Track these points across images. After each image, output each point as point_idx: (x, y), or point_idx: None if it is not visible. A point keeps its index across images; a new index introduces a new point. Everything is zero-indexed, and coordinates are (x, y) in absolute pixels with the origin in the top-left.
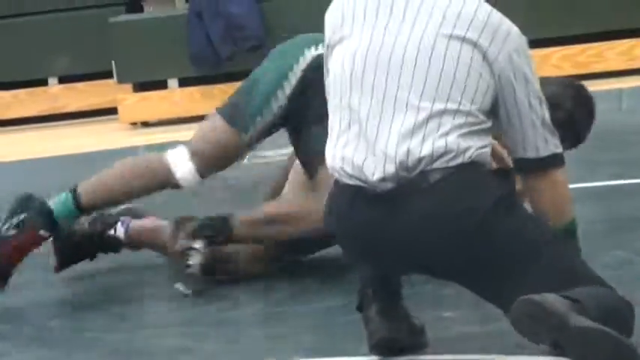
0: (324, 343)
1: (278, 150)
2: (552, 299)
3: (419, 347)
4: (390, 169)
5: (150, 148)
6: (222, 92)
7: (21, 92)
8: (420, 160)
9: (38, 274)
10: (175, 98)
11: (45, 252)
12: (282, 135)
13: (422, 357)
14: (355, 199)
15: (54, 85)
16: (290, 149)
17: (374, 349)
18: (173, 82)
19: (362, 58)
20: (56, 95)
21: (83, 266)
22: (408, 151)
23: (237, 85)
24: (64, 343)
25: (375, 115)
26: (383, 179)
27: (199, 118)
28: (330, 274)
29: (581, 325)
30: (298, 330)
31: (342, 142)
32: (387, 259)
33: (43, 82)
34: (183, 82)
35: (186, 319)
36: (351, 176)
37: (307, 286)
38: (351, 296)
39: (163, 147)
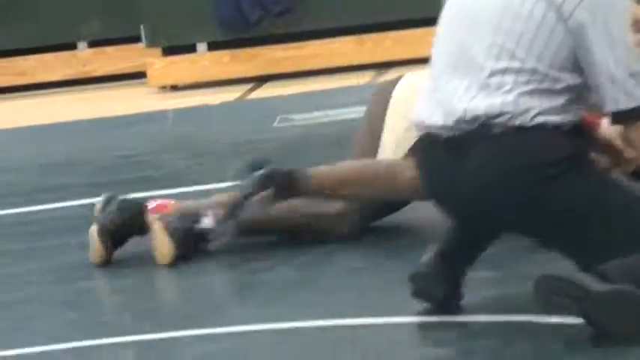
0: (351, 305)
1: (305, 114)
2: (570, 272)
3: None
4: (455, 122)
5: (178, 111)
6: (251, 56)
7: (49, 56)
8: (480, 116)
9: (73, 237)
10: (204, 62)
11: (78, 214)
12: (308, 99)
13: (460, 317)
14: (426, 149)
15: (83, 50)
16: (315, 113)
17: (413, 295)
18: (202, 46)
19: (451, 15)
20: (85, 59)
21: None
22: (470, 108)
23: (265, 48)
24: (93, 305)
25: (447, 71)
26: (448, 129)
27: (228, 82)
28: (352, 237)
29: (602, 290)
30: (325, 292)
31: (421, 97)
32: (459, 209)
33: (72, 47)
34: (212, 46)
35: (219, 282)
36: (423, 128)
37: (330, 249)
38: (374, 258)
39: (192, 111)
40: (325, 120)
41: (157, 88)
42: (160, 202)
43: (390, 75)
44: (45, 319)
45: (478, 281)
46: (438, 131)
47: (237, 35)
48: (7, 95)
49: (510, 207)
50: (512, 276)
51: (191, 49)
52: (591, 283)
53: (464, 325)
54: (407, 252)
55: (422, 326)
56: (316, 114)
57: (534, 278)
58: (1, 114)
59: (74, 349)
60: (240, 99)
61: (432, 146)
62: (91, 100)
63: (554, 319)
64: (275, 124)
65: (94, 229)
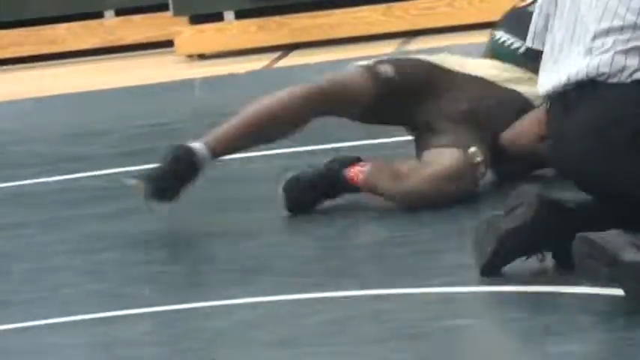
0: (379, 275)
1: None
2: (611, 236)
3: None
4: (564, 86)
5: (206, 80)
6: (278, 25)
7: (76, 25)
8: (583, 78)
9: (93, 208)
10: (231, 31)
11: (100, 186)
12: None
13: (475, 288)
14: (548, 112)
15: (110, 18)
16: None
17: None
18: (229, 15)
19: None
20: (112, 28)
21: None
22: (576, 71)
23: (292, 17)
24: (116, 276)
25: (566, 42)
26: (560, 93)
27: (255, 51)
28: (377, 210)
29: (632, 260)
30: (352, 263)
31: (543, 70)
32: (565, 169)
33: (99, 15)
34: (240, 15)
35: (239, 254)
36: (548, 98)
37: (355, 221)
38: (399, 230)
39: (219, 80)
40: None
41: (184, 56)
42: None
43: (416, 44)
44: (71, 288)
45: None
46: (556, 96)
47: (264, 3)
48: (35, 64)
49: (603, 160)
50: None
51: (218, 17)
52: (624, 251)
53: (491, 294)
54: (434, 223)
55: (448, 297)
56: None
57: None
58: (29, 83)
59: (100, 319)
60: (267, 68)
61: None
62: (118, 69)
63: (580, 290)
64: None
65: None
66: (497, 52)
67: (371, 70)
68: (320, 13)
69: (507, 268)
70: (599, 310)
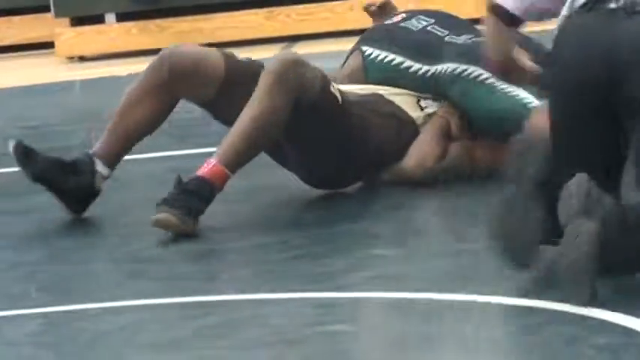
0: (260, 279)
1: None
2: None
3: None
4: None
5: (86, 82)
6: (159, 27)
7: None
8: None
9: None
10: (112, 33)
11: None
12: None
13: (356, 294)
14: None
15: None
16: None
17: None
18: (110, 17)
19: None
20: None
21: None
22: None
23: (174, 20)
24: (3, 276)
25: None
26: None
27: (136, 54)
28: (265, 212)
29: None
30: (233, 267)
31: None
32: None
33: None
34: (121, 17)
35: (124, 257)
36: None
37: (241, 223)
38: (287, 234)
39: (99, 82)
40: None
41: (64, 58)
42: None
43: (297, 48)
44: None
45: (377, 259)
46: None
47: (145, 6)
48: None
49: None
50: (409, 254)
51: (99, 19)
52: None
53: (371, 300)
54: (313, 227)
55: (328, 302)
56: None
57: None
58: None
59: None
60: None
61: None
62: None
63: (465, 297)
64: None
65: None
66: (370, 67)
67: (223, 52)
68: (202, 16)
69: (389, 273)
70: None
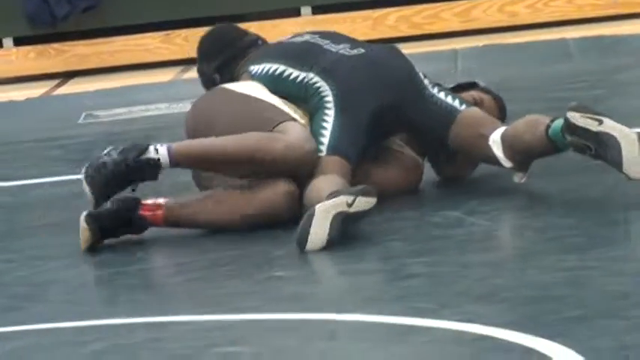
0: (157, 303)
1: (110, 110)
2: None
3: None
4: None
5: None
6: (58, 52)
7: None
8: None
9: None
10: (10, 57)
11: None
12: (114, 96)
13: (254, 315)
14: None
15: None
16: (120, 110)
17: None
18: (8, 41)
19: None
20: None
21: None
22: None
23: (72, 44)
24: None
25: None
26: None
27: (34, 78)
28: (166, 236)
29: None
30: (128, 290)
31: None
32: None
33: None
34: (19, 41)
35: (16, 280)
36: None
37: (141, 246)
38: (186, 256)
39: None
40: (130, 117)
41: None
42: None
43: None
44: None
45: (274, 280)
46: None
47: (44, 30)
48: None
49: None
50: (306, 275)
51: None
52: None
53: (268, 322)
54: (213, 250)
55: (225, 324)
56: (121, 110)
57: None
58: None
59: None
60: (46, 95)
61: None
62: None
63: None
64: (80, 121)
65: (82, 216)
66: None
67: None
68: (99, 40)
69: (286, 295)
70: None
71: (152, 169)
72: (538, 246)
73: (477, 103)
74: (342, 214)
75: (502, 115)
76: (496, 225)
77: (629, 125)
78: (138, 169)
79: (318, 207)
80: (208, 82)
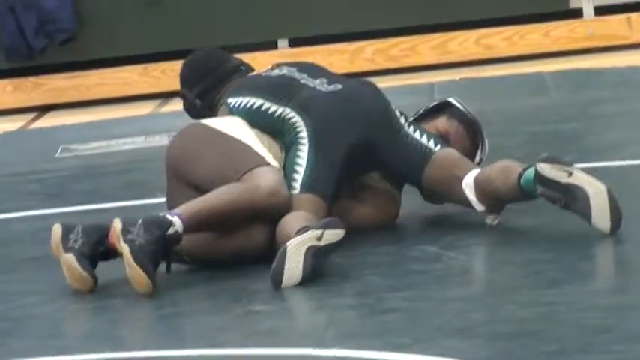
0: (133, 337)
1: (87, 144)
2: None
3: None
4: None
5: None
6: (35, 85)
7: None
8: None
9: None
10: None
11: None
12: (91, 129)
13: (232, 350)
14: None
15: None
16: (97, 144)
17: None
18: None
19: None
20: None
21: None
22: None
23: (50, 77)
24: None
25: None
26: None
27: (11, 111)
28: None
29: None
30: (109, 324)
31: None
32: None
33: None
34: None
35: None
36: None
37: (120, 281)
38: (164, 292)
39: None
40: (107, 150)
41: None
42: None
43: (174, 104)
44: None
45: (253, 314)
46: None
47: (21, 63)
48: None
49: None
50: (285, 310)
51: None
52: None
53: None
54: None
55: None
56: (98, 144)
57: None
58: None
59: None
60: (23, 128)
61: None
62: None
63: (330, 353)
64: (57, 155)
65: (70, 257)
66: (236, 115)
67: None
68: (77, 73)
69: (265, 329)
70: None
71: (176, 241)
72: (516, 280)
73: (442, 136)
74: (313, 249)
75: (475, 140)
76: (474, 259)
77: (606, 159)
78: (166, 244)
79: (289, 243)
80: (190, 106)
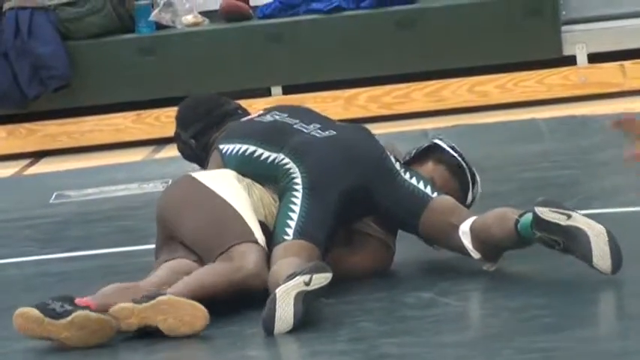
0: None
1: (81, 190)
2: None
3: None
4: None
5: None
6: (29, 131)
7: None
8: None
9: None
10: None
11: None
12: (85, 176)
13: None
14: None
15: None
16: (91, 190)
17: None
18: None
19: None
20: None
21: None
22: None
23: (43, 124)
24: None
25: None
26: None
27: (5, 157)
28: None
29: None
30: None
31: None
32: None
33: None
34: None
35: None
36: None
37: None
38: (160, 336)
39: None
40: (100, 197)
41: None
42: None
43: (166, 152)
44: None
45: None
46: None
47: (14, 110)
48: None
49: None
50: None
51: None
52: None
53: None
54: None
55: None
56: (92, 190)
57: None
58: None
59: None
60: (17, 174)
61: None
62: None
63: None
64: (51, 201)
65: (80, 313)
66: (227, 161)
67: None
68: (70, 120)
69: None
70: None
71: None
72: (511, 326)
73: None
74: (302, 294)
75: (462, 184)
76: (469, 305)
77: (601, 206)
78: None
79: (278, 291)
80: (184, 146)
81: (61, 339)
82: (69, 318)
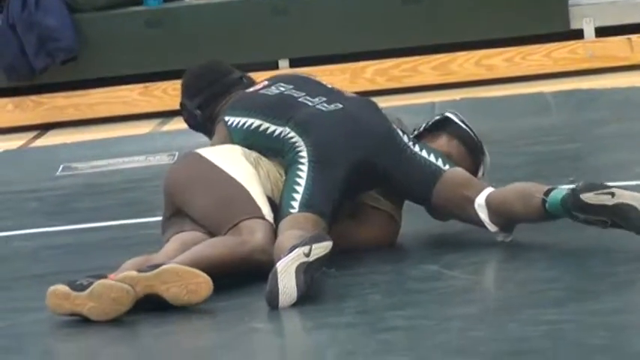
0: (136, 356)
1: (87, 163)
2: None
3: None
4: None
5: None
6: (36, 103)
7: None
8: None
9: None
10: None
11: None
12: (92, 148)
13: None
14: None
15: None
16: (98, 162)
17: None
18: None
19: None
20: None
21: None
22: None
23: (50, 96)
24: None
25: None
26: None
27: (12, 130)
28: None
29: None
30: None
31: None
32: None
33: None
34: None
35: None
36: None
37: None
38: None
39: None
40: (107, 169)
41: None
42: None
43: (174, 124)
44: None
45: (255, 332)
46: None
47: (21, 82)
48: None
49: None
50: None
51: None
52: None
53: None
54: None
55: None
56: (99, 163)
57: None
58: None
59: None
60: (24, 147)
61: None
62: None
63: None
64: (58, 173)
65: (101, 282)
66: (234, 134)
67: None
68: (77, 92)
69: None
70: None
71: None
72: (518, 299)
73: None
74: (303, 266)
75: (476, 159)
76: (475, 278)
77: (609, 179)
78: None
79: (279, 265)
80: (190, 116)
81: (86, 313)
82: (90, 288)
